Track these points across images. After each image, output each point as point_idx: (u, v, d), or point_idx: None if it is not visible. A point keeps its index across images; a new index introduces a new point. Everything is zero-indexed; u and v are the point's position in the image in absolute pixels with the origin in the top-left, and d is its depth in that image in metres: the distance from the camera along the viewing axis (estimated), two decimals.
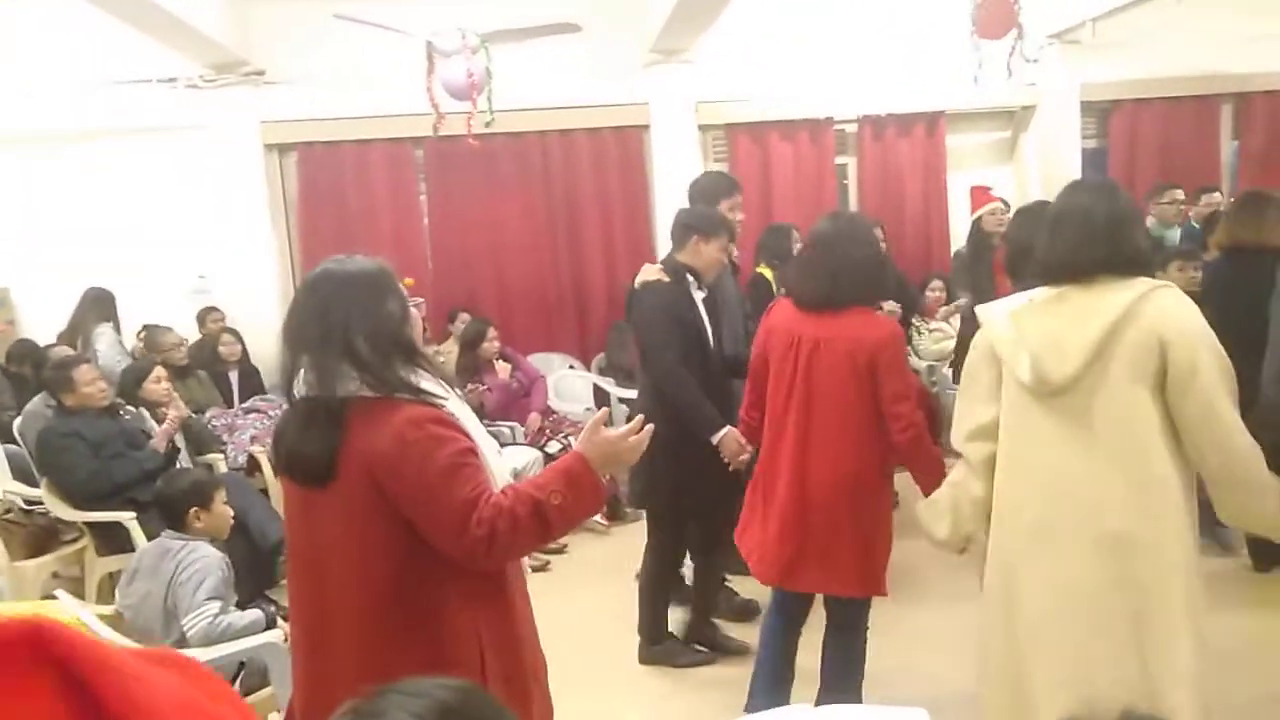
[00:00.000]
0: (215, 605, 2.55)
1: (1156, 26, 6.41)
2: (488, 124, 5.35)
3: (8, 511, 4.15)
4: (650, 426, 1.71)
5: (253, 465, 5.05)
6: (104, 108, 6.36)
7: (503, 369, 5.26)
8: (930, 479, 2.46)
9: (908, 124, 6.98)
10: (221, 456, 4.90)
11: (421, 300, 4.74)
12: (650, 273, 3.30)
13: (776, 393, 2.70)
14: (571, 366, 6.61)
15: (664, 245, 6.76)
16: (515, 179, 6.81)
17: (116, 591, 2.80)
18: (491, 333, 5.33)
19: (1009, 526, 2.04)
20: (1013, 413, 2.02)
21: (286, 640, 2.57)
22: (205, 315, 6.30)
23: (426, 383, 1.63)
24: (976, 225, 4.97)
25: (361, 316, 1.60)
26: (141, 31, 5.53)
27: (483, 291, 6.77)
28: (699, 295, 3.29)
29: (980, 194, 5.13)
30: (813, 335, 2.59)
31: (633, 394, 6.00)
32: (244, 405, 5.52)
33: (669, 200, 6.82)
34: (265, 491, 4.82)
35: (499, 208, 6.81)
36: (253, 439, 5.15)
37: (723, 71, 6.74)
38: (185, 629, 2.53)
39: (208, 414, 5.23)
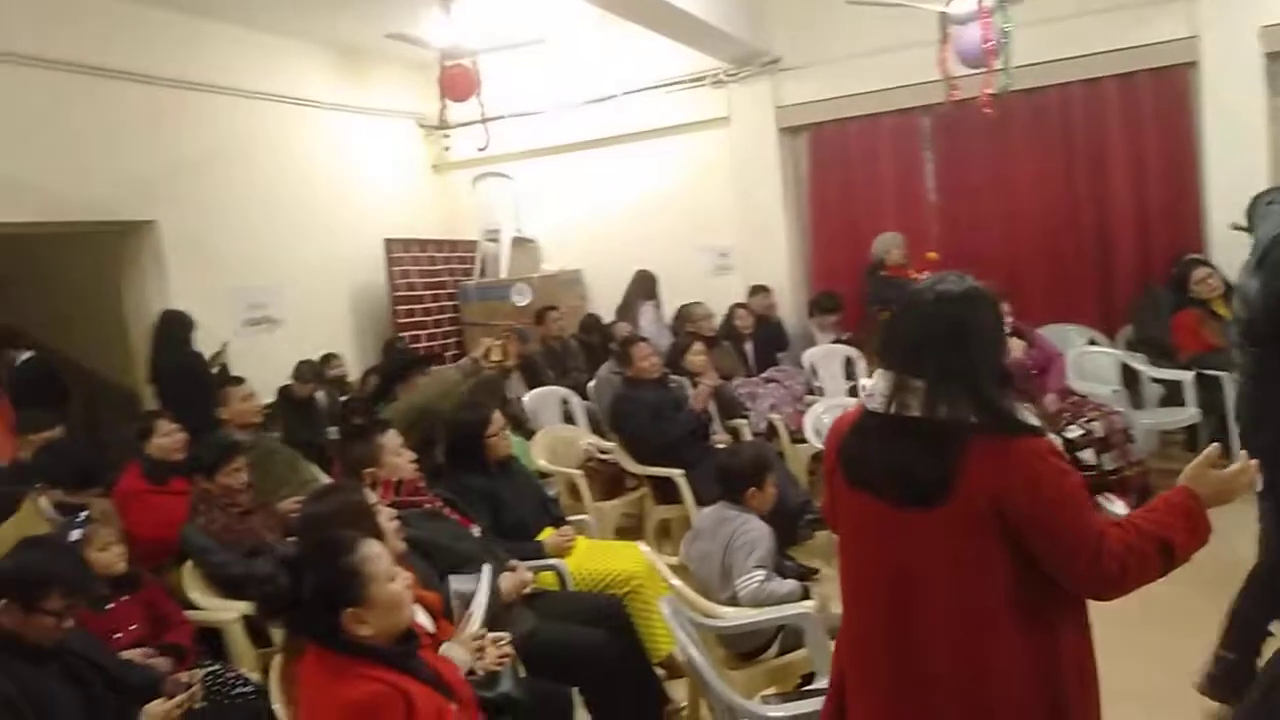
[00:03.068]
0: (762, 573, 2.92)
1: None
2: (1005, 87, 5.10)
3: (589, 460, 5.11)
4: (1254, 463, 1.58)
5: (770, 431, 5.54)
6: (644, 111, 7.33)
7: (1016, 345, 5.03)
8: None
9: None
10: (746, 421, 5.45)
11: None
12: None
13: None
14: (1092, 341, 6.07)
15: (1215, 200, 5.91)
16: (1031, 138, 6.40)
17: (682, 546, 3.34)
18: (1005, 306, 5.12)
19: None
20: None
21: (820, 611, 2.85)
22: (756, 290, 6.85)
23: (1023, 409, 1.61)
24: None
25: (980, 347, 1.58)
26: (674, 39, 6.27)
27: (991, 261, 6.49)
28: None
29: None
30: None
31: (1169, 374, 5.37)
32: (763, 374, 6.04)
33: (1222, 146, 5.87)
34: (782, 455, 5.28)
35: (1011, 170, 6.47)
36: (771, 406, 5.64)
37: None
38: (737, 589, 2.94)
39: (734, 382, 5.83)
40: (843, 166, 6.97)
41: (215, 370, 5.52)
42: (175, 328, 5.45)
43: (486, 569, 2.66)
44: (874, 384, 1.67)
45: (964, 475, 1.53)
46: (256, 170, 6.41)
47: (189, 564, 3.38)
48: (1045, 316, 6.07)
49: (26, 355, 5.81)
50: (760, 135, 7.03)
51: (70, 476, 3.31)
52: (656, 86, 7.25)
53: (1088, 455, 4.57)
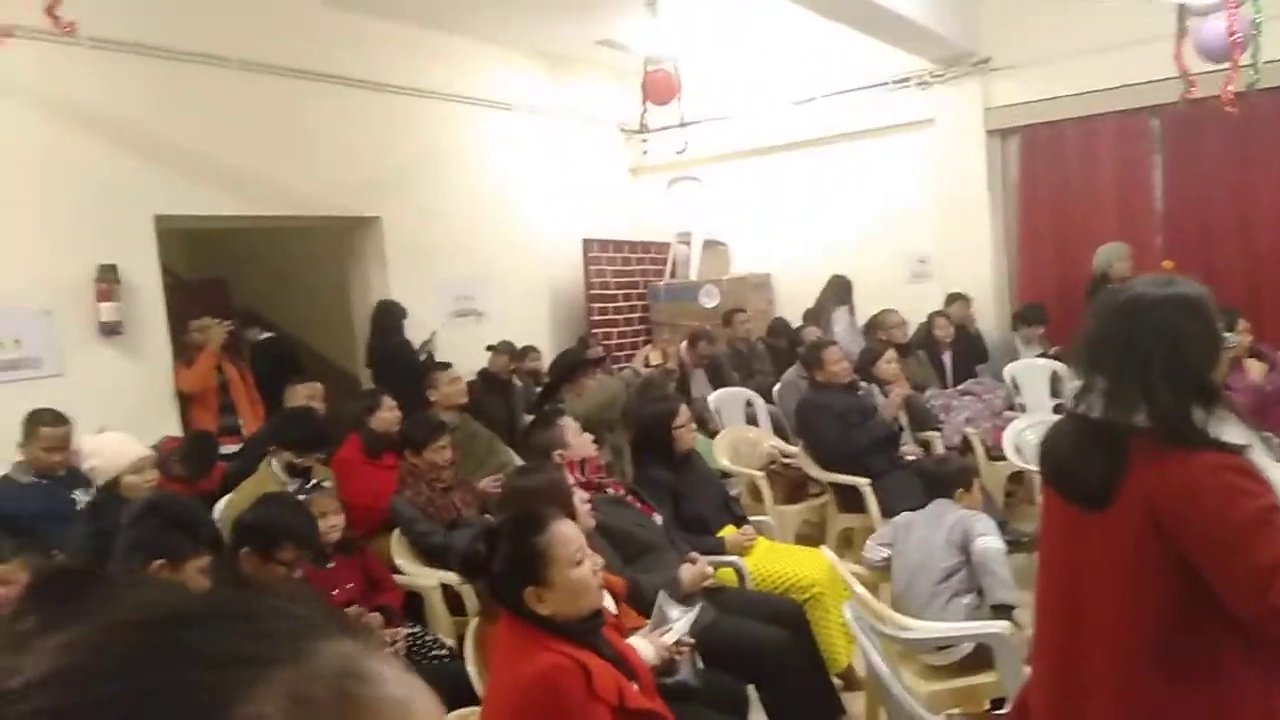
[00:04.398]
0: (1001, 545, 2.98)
1: None
2: (1251, 84, 4.64)
3: (772, 463, 5.09)
4: None
5: (965, 446, 5.29)
6: (844, 113, 7.20)
7: (1254, 368, 4.56)
8: None
9: None
10: (938, 435, 5.24)
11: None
12: None
13: None
14: None
15: None
16: (1278, 141, 5.77)
17: (870, 543, 3.36)
18: (1241, 324, 4.65)
19: None
20: None
21: (1015, 630, 2.71)
22: (954, 299, 6.54)
23: (1229, 426, 1.49)
24: None
25: (1166, 353, 1.50)
26: (880, 40, 6.11)
27: (1227, 274, 5.92)
28: None
29: None
30: None
31: None
32: (960, 387, 5.79)
33: None
34: (977, 472, 5.03)
35: (1253, 176, 5.88)
36: (967, 420, 5.39)
37: None
38: (976, 545, 2.95)
39: (926, 393, 5.62)
40: (1057, 171, 6.56)
41: (423, 357, 5.93)
42: (388, 316, 5.91)
43: (701, 607, 2.71)
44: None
45: (1126, 480, 1.50)
46: (469, 171, 6.82)
47: (396, 532, 3.66)
48: None
49: (266, 335, 6.47)
50: (967, 138, 6.74)
51: (299, 440, 3.65)
52: (858, 89, 7.11)
53: None
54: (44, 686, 0.36)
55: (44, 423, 3.64)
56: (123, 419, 4.10)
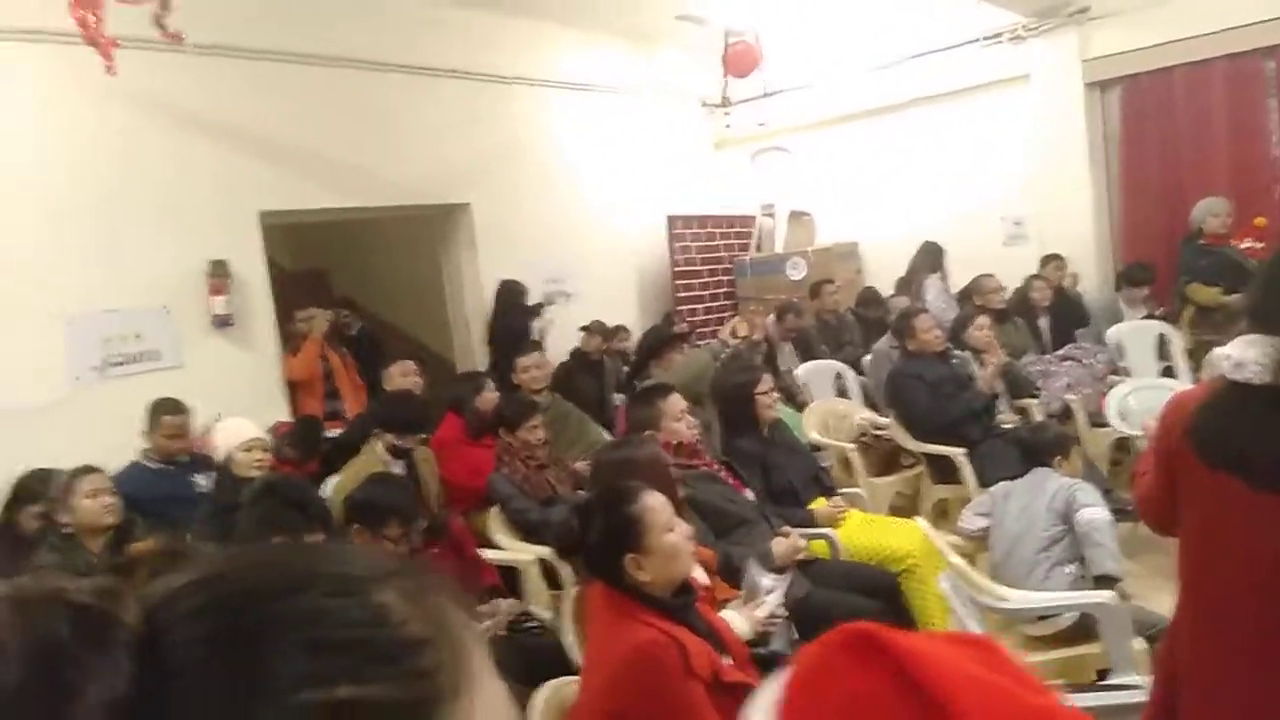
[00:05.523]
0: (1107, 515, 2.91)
1: None
2: None
3: (863, 435, 5.03)
4: None
5: (1065, 413, 5.12)
6: (932, 75, 6.98)
7: None
8: None
9: None
10: (1036, 402, 5.08)
11: None
12: None
13: None
14: None
15: None
16: None
17: (966, 513, 3.30)
18: None
19: None
20: None
21: (1120, 601, 2.64)
22: (1049, 260, 6.25)
23: None
24: None
25: None
26: None
27: None
28: None
29: None
30: None
31: None
32: (1060, 352, 5.59)
33: None
34: (1078, 439, 4.87)
35: None
36: (1068, 386, 5.22)
37: None
38: (1080, 515, 2.89)
39: (1024, 359, 5.45)
40: (1163, 122, 6.24)
41: (535, 331, 6.13)
42: (507, 295, 6.19)
43: (792, 575, 2.72)
44: (1241, 352, 1.44)
45: None
46: (554, 154, 6.90)
47: (494, 509, 3.77)
48: None
49: (359, 325, 6.71)
50: (1064, 92, 6.47)
51: (402, 422, 3.79)
52: (947, 48, 6.88)
53: None
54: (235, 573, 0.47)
55: (165, 411, 3.89)
56: (237, 406, 4.33)
